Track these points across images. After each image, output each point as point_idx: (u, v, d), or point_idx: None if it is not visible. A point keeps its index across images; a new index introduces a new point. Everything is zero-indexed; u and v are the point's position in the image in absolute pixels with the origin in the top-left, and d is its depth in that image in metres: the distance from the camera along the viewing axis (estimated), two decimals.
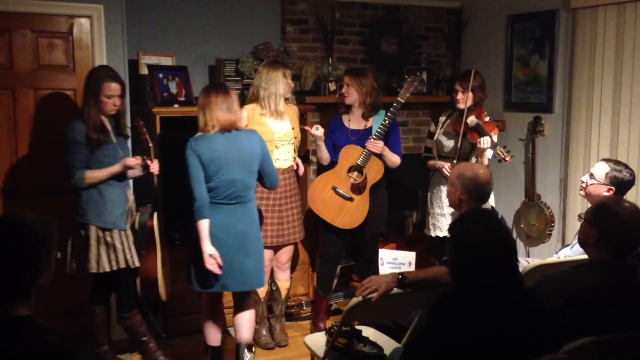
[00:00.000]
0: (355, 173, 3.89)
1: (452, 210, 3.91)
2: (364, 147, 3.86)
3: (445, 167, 3.83)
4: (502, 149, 3.67)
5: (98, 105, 3.27)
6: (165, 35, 4.38)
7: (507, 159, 3.65)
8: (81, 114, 3.29)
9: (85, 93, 3.30)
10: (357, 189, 3.89)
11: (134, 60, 4.13)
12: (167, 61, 4.22)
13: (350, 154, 3.88)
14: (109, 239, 3.32)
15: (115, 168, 3.31)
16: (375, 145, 3.83)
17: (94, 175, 3.28)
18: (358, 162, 3.87)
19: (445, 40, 5.41)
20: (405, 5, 5.18)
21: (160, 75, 4.00)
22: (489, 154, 3.77)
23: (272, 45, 4.31)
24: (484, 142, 3.65)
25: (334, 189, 3.87)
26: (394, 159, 3.93)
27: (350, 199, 3.88)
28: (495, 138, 3.83)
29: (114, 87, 3.28)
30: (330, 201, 3.87)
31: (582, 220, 2.42)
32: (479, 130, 3.69)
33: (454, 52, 5.38)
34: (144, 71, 4.11)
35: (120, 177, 3.37)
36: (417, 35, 5.26)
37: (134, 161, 3.33)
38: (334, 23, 4.83)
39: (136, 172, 3.46)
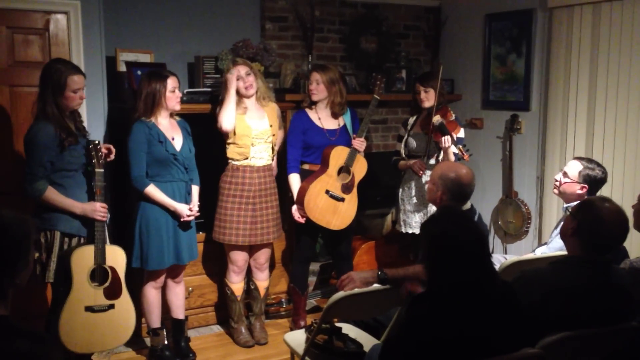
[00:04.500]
0: (344, 173, 3.91)
1: (422, 207, 3.99)
2: (344, 146, 3.89)
3: (417, 164, 3.91)
4: (461, 148, 3.75)
5: (61, 103, 3.07)
6: (144, 31, 4.34)
7: (465, 157, 3.73)
8: (44, 114, 3.04)
9: (44, 91, 3.06)
10: (347, 188, 3.92)
11: (111, 57, 4.08)
12: (145, 58, 4.18)
13: (340, 155, 3.88)
14: (66, 247, 3.12)
15: (78, 208, 3.09)
16: (362, 144, 3.91)
17: (56, 198, 3.05)
18: (346, 162, 3.88)
19: (424, 38, 5.44)
20: (385, 3, 5.20)
21: (139, 72, 3.95)
22: (454, 150, 3.83)
23: (252, 42, 4.30)
24: (445, 141, 3.74)
25: (328, 192, 3.86)
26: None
27: (342, 200, 3.90)
28: (462, 134, 3.96)
29: (78, 80, 3.11)
30: (324, 206, 3.86)
31: (568, 212, 2.48)
32: (442, 130, 3.78)
33: (433, 51, 5.41)
34: (122, 68, 4.07)
35: (87, 178, 3.21)
36: (396, 34, 5.29)
37: (102, 211, 3.13)
38: (313, 21, 4.83)
39: None
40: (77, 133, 3.18)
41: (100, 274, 3.14)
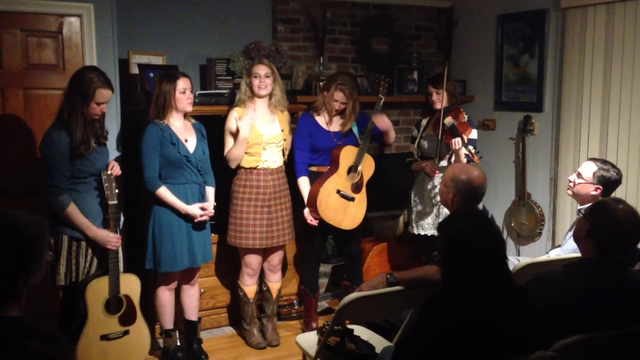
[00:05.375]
0: (352, 173, 3.92)
1: (434, 209, 3.97)
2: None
3: (429, 166, 3.90)
4: (471, 150, 3.73)
5: (84, 111, 3.09)
6: (156, 34, 4.37)
7: (475, 159, 3.71)
8: (66, 121, 3.06)
9: (71, 97, 3.08)
10: (356, 187, 3.92)
11: (124, 60, 4.11)
12: (157, 60, 4.21)
13: (349, 155, 3.89)
14: (74, 248, 3.15)
15: (92, 232, 3.11)
16: (383, 119, 3.92)
17: (75, 216, 3.08)
18: (355, 162, 3.89)
19: (436, 39, 5.42)
20: (396, 4, 5.19)
21: (151, 75, 3.97)
22: (465, 152, 3.81)
23: (263, 44, 4.31)
24: (455, 143, 3.72)
25: (339, 192, 3.87)
26: (393, 135, 4.04)
27: (352, 199, 3.90)
28: (474, 136, 3.92)
29: (106, 94, 3.13)
30: (336, 206, 3.86)
31: (581, 214, 2.46)
32: (453, 131, 3.77)
33: (445, 52, 5.39)
34: (135, 70, 4.10)
35: (98, 185, 3.21)
36: (408, 35, 5.27)
37: (114, 242, 3.16)
38: (325, 22, 4.83)
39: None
40: (94, 139, 3.18)
41: (114, 303, 3.20)
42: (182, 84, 3.46)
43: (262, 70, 3.76)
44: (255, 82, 3.75)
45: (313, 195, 3.84)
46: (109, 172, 3.19)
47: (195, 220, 3.52)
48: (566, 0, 4.37)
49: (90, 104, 3.10)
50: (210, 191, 3.67)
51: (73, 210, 3.09)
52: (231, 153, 3.76)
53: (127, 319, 3.24)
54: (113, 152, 3.67)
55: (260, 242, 3.82)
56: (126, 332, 3.25)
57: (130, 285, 3.26)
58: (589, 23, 4.23)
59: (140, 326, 3.31)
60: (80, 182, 3.15)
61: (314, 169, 4.00)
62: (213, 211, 3.60)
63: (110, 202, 3.16)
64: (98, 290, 3.15)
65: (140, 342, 3.32)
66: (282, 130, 3.87)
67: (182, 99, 3.47)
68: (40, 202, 3.36)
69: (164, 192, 3.44)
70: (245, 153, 3.78)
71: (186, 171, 3.51)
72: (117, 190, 3.19)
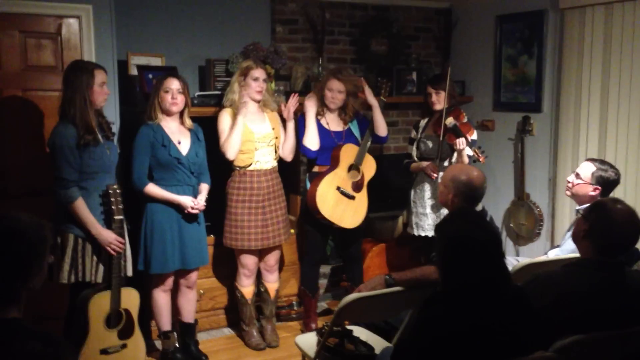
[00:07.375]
0: (353, 171, 3.92)
1: (434, 210, 3.97)
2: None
3: (429, 166, 3.90)
4: (477, 150, 3.73)
5: (91, 98, 3.08)
6: (155, 35, 4.37)
7: (480, 159, 3.71)
8: (71, 115, 3.05)
9: (71, 90, 3.06)
10: (357, 186, 3.93)
11: (123, 61, 4.11)
12: (156, 62, 4.21)
13: (350, 153, 3.91)
14: (80, 248, 3.15)
15: (95, 230, 3.10)
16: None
17: (81, 212, 3.07)
18: (356, 160, 3.90)
19: (434, 40, 5.43)
20: (395, 5, 5.20)
21: (150, 76, 3.98)
22: (469, 152, 3.81)
23: (262, 45, 4.31)
24: (460, 143, 3.73)
25: (339, 189, 3.87)
26: (381, 119, 4.03)
27: (353, 197, 3.91)
28: (475, 136, 3.92)
29: (104, 74, 3.16)
30: (336, 203, 3.87)
31: (580, 214, 2.47)
32: (456, 132, 3.77)
33: (444, 52, 5.40)
34: (134, 72, 4.09)
35: (102, 185, 3.20)
36: (407, 36, 5.28)
37: (116, 245, 3.13)
38: (323, 23, 4.83)
39: None
40: (100, 133, 3.17)
41: (115, 317, 3.20)
42: (167, 83, 3.45)
43: (262, 74, 3.78)
44: (255, 85, 3.75)
45: (312, 191, 3.85)
46: (114, 187, 3.18)
47: (186, 211, 3.49)
48: (565, 1, 4.37)
49: (95, 88, 3.10)
50: (203, 187, 3.64)
51: (81, 205, 3.08)
52: (229, 140, 3.71)
53: (126, 333, 3.25)
54: None
55: (256, 244, 3.83)
56: (124, 346, 3.25)
57: (131, 299, 3.26)
58: (588, 24, 4.23)
59: (137, 339, 3.32)
60: (89, 178, 3.13)
61: (315, 169, 4.00)
62: (204, 204, 3.57)
63: (116, 217, 3.15)
64: (100, 305, 3.15)
65: (137, 355, 3.33)
66: (273, 129, 3.87)
67: (166, 98, 3.45)
68: (40, 204, 3.36)
69: (152, 188, 3.45)
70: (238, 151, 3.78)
71: (178, 173, 3.50)
72: (122, 206, 3.17)
